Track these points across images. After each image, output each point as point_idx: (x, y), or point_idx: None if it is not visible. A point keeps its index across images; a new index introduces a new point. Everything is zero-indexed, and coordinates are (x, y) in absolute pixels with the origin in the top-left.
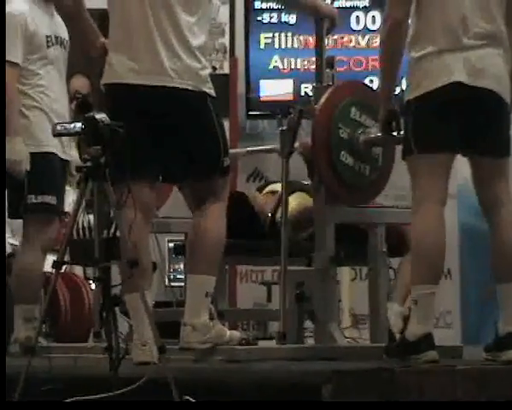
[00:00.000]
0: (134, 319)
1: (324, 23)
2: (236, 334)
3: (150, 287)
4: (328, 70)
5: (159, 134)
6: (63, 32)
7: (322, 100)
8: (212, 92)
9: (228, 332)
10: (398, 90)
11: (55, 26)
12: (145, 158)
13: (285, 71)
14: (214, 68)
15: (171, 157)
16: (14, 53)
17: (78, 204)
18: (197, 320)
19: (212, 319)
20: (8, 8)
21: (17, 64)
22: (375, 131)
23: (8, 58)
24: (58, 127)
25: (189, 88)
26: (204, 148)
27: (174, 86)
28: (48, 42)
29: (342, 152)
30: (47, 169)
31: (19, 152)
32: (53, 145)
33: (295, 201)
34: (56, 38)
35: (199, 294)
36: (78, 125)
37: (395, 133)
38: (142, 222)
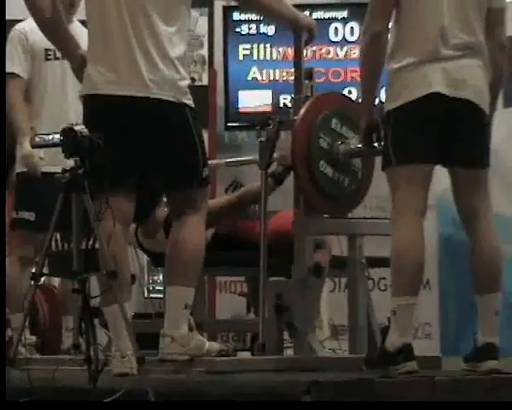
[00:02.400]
0: (113, 330)
1: (303, 34)
2: (215, 345)
3: (129, 299)
4: (306, 81)
5: (137, 145)
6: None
7: (303, 110)
8: (191, 103)
9: (207, 343)
10: (376, 102)
11: None
12: (124, 169)
13: (264, 82)
14: (193, 80)
15: (150, 168)
16: (11, 64)
17: (57, 216)
18: (176, 332)
19: (191, 330)
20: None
21: (15, 74)
22: (354, 143)
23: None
24: (36, 139)
25: (168, 99)
26: (182, 159)
27: (153, 97)
28: (47, 55)
29: (321, 162)
30: (28, 186)
31: (27, 153)
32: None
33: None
34: None
35: (178, 305)
36: (57, 136)
37: (376, 144)
38: (121, 233)
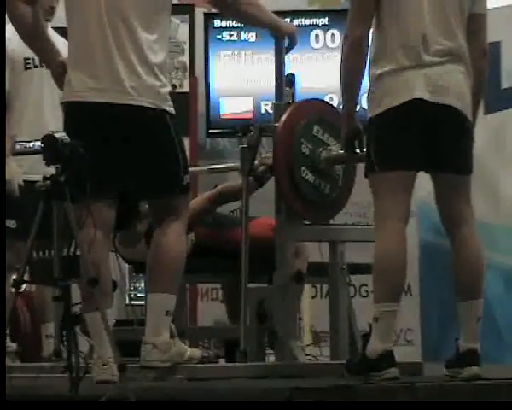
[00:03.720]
0: (94, 337)
1: (283, 41)
2: (197, 352)
3: (111, 306)
4: (287, 88)
5: (118, 153)
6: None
7: (285, 116)
8: (171, 110)
9: (188, 350)
10: (357, 108)
11: None
12: (104, 177)
13: (245, 89)
14: (174, 87)
15: (130, 176)
16: None
17: (38, 223)
18: (157, 339)
19: (172, 337)
20: None
21: None
22: (336, 149)
23: None
24: (17, 147)
25: (149, 106)
26: (163, 166)
27: (133, 104)
28: (26, 64)
29: (303, 168)
30: (8, 194)
31: (9, 171)
32: None
33: None
34: None
35: (159, 312)
36: (38, 144)
37: (358, 151)
38: (102, 241)
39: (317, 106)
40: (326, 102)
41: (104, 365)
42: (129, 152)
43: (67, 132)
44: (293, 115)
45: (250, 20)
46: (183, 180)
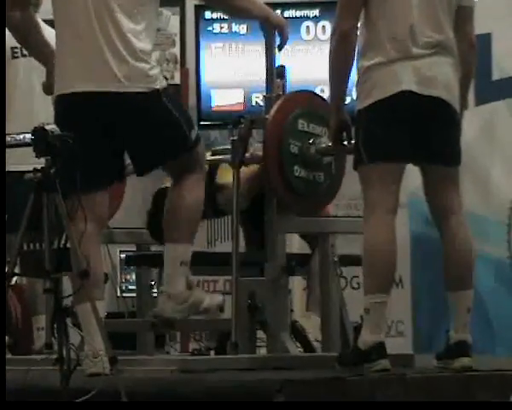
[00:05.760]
0: (85, 329)
1: (274, 32)
2: (216, 299)
3: (103, 298)
4: (278, 80)
5: (115, 140)
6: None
7: (273, 112)
8: (163, 85)
9: (207, 298)
10: (348, 100)
11: None
12: (98, 167)
13: (236, 81)
14: (165, 78)
15: (136, 157)
16: None
17: (28, 215)
18: (172, 289)
19: (190, 287)
20: None
21: None
22: (325, 141)
23: None
24: (8, 139)
25: (141, 90)
26: (168, 139)
27: (126, 91)
28: (14, 53)
29: (295, 167)
30: None
31: None
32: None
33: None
34: None
35: (173, 263)
36: (28, 136)
37: (346, 143)
38: (94, 232)
39: (305, 97)
40: (315, 94)
41: (95, 357)
42: (127, 138)
43: (60, 124)
44: (282, 109)
45: (238, 14)
46: (191, 138)
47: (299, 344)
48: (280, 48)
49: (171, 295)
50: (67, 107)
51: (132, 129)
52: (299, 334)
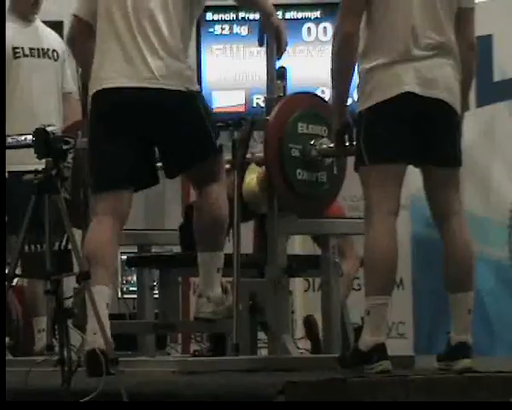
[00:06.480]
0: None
1: (274, 34)
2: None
3: (117, 285)
4: (279, 81)
5: (148, 138)
6: (49, 44)
7: (273, 114)
8: (197, 89)
9: None
10: (349, 102)
11: (35, 38)
12: (128, 166)
13: (237, 82)
14: None
15: (166, 157)
16: None
17: (30, 217)
18: (212, 293)
19: (225, 292)
20: None
21: None
22: (326, 142)
23: None
24: (9, 140)
25: (177, 89)
26: (196, 143)
27: (164, 88)
28: (15, 53)
29: (298, 170)
30: None
31: None
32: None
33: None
34: (32, 49)
35: (211, 269)
36: (29, 137)
37: (347, 145)
38: (116, 227)
39: (305, 99)
40: (315, 95)
41: (95, 334)
42: (160, 136)
43: (96, 121)
44: (282, 112)
45: (253, 5)
46: (216, 144)
47: (307, 339)
48: (279, 55)
49: (211, 299)
50: (104, 101)
51: (165, 127)
52: (311, 329)
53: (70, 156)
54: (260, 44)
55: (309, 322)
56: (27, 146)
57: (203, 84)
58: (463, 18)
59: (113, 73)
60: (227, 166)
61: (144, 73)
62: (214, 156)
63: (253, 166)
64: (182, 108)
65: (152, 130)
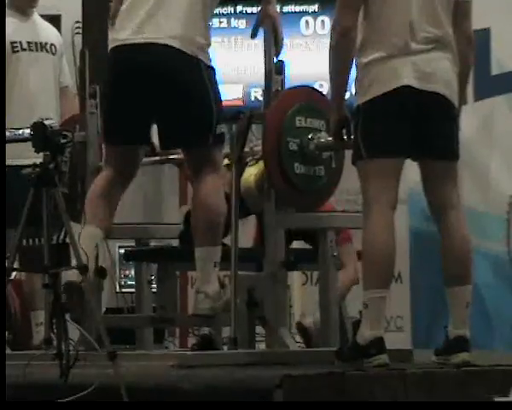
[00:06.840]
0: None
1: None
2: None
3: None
4: (277, 75)
5: (150, 100)
6: (47, 38)
7: (271, 109)
8: (207, 61)
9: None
10: (347, 96)
11: (33, 32)
12: (130, 122)
13: (234, 76)
14: None
15: (163, 123)
16: None
17: (28, 210)
18: (209, 288)
19: (222, 287)
20: None
21: None
22: (324, 136)
23: None
24: (7, 134)
25: (185, 50)
26: (195, 113)
27: (170, 44)
28: (14, 47)
29: (296, 164)
30: None
31: None
32: None
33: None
34: (30, 43)
35: (208, 264)
36: (27, 131)
37: (345, 138)
38: (118, 181)
39: (303, 93)
40: (313, 89)
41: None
42: (160, 92)
43: (109, 78)
44: (280, 106)
45: None
46: (216, 130)
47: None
48: (276, 54)
49: (208, 294)
50: (116, 59)
51: (166, 91)
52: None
53: (68, 150)
54: (253, 36)
55: (302, 329)
56: (25, 140)
57: None
58: (461, 11)
59: (123, 33)
60: (225, 160)
61: (153, 33)
62: (213, 142)
63: (259, 163)
64: (186, 69)
65: (153, 92)
